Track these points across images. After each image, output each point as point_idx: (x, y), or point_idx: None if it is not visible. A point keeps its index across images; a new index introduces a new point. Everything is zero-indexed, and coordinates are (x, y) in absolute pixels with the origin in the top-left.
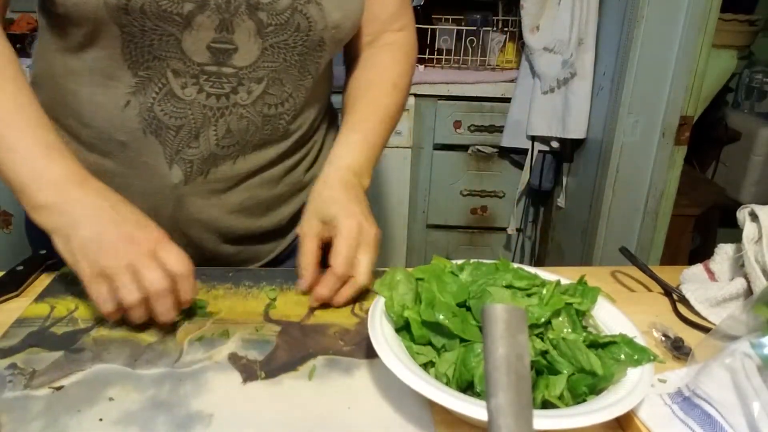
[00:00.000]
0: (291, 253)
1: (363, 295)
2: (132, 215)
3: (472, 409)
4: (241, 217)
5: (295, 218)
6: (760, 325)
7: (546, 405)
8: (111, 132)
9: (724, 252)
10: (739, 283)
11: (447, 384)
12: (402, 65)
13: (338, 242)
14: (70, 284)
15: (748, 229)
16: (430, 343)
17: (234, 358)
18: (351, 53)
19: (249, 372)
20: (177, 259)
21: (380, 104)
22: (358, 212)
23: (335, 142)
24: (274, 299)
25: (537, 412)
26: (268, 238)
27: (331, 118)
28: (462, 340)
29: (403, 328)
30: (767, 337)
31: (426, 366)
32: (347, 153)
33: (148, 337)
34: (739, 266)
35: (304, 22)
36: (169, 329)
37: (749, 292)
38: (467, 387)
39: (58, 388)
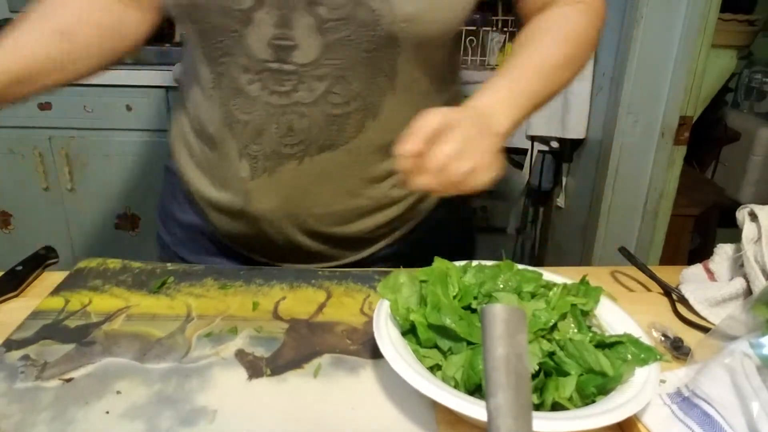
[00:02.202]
0: (377, 260)
1: (371, 295)
2: None
3: (480, 411)
4: (309, 222)
5: (381, 230)
6: (759, 325)
7: (554, 406)
8: (204, 122)
9: (723, 252)
10: (739, 283)
11: (455, 387)
12: (579, 21)
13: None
14: (86, 279)
15: (748, 229)
16: (436, 346)
17: (240, 355)
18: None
19: (255, 368)
20: None
21: (541, 53)
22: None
23: None
24: (284, 297)
25: (548, 415)
26: (349, 245)
27: None
28: (469, 343)
29: (408, 331)
30: (766, 337)
31: (432, 369)
32: (482, 95)
33: (158, 332)
34: (739, 266)
35: (369, 16)
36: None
37: (749, 292)
38: (476, 389)
39: (68, 380)
